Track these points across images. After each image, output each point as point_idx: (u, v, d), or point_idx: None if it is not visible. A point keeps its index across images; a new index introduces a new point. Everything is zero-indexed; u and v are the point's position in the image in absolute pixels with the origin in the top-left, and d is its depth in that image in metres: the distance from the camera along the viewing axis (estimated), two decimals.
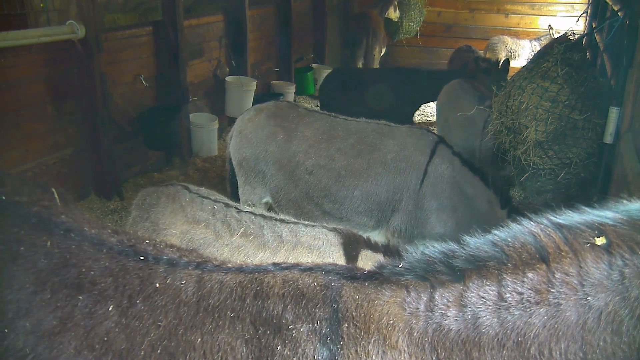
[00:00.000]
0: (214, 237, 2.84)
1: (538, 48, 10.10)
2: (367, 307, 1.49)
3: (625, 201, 1.46)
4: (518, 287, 1.38)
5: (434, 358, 1.42)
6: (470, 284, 1.43)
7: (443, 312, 1.43)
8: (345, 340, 1.46)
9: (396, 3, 11.10)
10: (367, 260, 2.69)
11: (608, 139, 3.82)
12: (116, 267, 1.69)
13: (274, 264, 1.69)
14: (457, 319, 1.42)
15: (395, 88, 7.11)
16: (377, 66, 10.81)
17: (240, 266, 1.72)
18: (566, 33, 4.31)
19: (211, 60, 8.26)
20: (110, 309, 1.61)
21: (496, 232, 1.50)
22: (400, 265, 1.55)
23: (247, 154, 4.53)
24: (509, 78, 5.44)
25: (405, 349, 1.44)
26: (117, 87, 6.45)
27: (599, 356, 1.33)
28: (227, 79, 8.35)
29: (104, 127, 5.94)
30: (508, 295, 1.39)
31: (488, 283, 1.42)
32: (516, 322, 1.38)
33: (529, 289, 1.37)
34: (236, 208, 2.99)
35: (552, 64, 4.06)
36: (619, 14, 4.24)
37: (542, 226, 1.44)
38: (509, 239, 1.45)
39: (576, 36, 4.25)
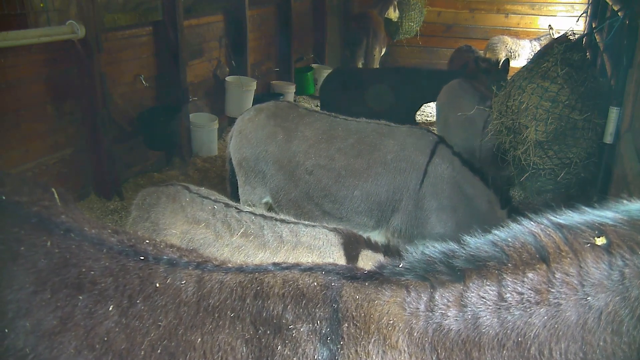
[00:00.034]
0: (214, 237, 2.84)
1: (538, 48, 10.10)
2: (367, 307, 1.49)
3: (625, 201, 1.46)
4: (518, 287, 1.38)
5: (434, 358, 1.42)
6: (471, 284, 1.44)
7: (443, 312, 1.43)
8: (346, 340, 1.46)
9: (396, 3, 11.10)
10: (368, 260, 2.69)
11: (608, 139, 3.82)
12: (116, 267, 1.69)
13: (274, 264, 1.69)
14: (457, 319, 1.42)
15: (396, 88, 7.11)
16: (377, 66, 10.81)
17: (240, 266, 1.72)
18: (566, 33, 4.31)
19: (211, 60, 8.26)
20: (110, 308, 1.61)
21: (496, 232, 1.50)
22: (400, 265, 1.55)
23: (247, 154, 4.53)
24: (509, 78, 5.44)
25: (406, 348, 1.44)
26: (117, 87, 6.45)
27: (599, 356, 1.33)
28: (227, 79, 8.35)
29: (104, 127, 5.94)
30: (508, 295, 1.39)
31: (488, 283, 1.42)
32: (516, 322, 1.38)
33: (529, 289, 1.37)
34: (236, 208, 2.99)
35: (552, 64, 4.06)
36: (619, 14, 4.24)
37: (542, 226, 1.44)
38: (509, 239, 1.45)
39: (576, 36, 4.25)
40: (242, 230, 2.82)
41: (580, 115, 3.94)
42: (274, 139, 4.43)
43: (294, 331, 1.48)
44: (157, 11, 7.68)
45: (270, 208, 4.57)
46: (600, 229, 1.37)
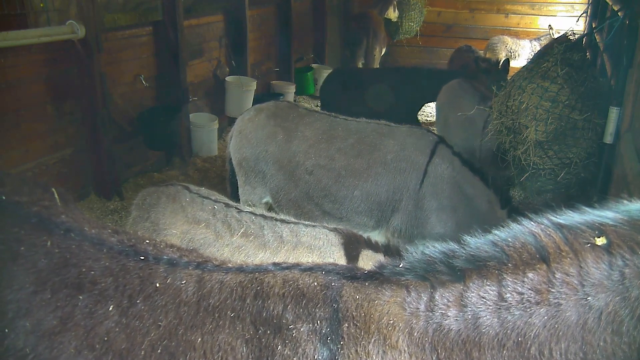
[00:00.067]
0: (214, 237, 2.84)
1: (538, 48, 10.10)
2: (367, 307, 1.49)
3: (625, 201, 1.46)
4: (518, 287, 1.38)
5: (434, 358, 1.42)
6: (471, 284, 1.44)
7: (443, 312, 1.43)
8: (346, 340, 1.46)
9: (395, 3, 11.09)
10: (368, 260, 2.69)
11: (608, 139, 3.82)
12: (116, 267, 1.69)
13: (274, 264, 1.69)
14: (458, 319, 1.42)
15: (397, 88, 7.10)
16: (378, 66, 10.81)
17: (240, 266, 1.72)
18: (566, 33, 4.31)
19: (211, 60, 8.26)
20: (110, 308, 1.61)
21: (496, 232, 1.50)
22: (400, 265, 1.55)
23: (247, 154, 4.53)
24: (509, 78, 5.44)
25: (406, 348, 1.44)
26: (117, 87, 6.45)
27: (599, 356, 1.33)
28: (227, 79, 8.35)
29: (104, 127, 5.94)
30: (508, 295, 1.39)
31: (488, 283, 1.42)
32: (516, 322, 1.38)
33: (530, 289, 1.38)
34: (236, 208, 2.99)
35: (552, 64, 4.06)
36: (619, 14, 4.24)
37: (543, 226, 1.44)
38: (510, 239, 1.45)
39: (576, 36, 4.25)
40: (242, 230, 2.82)
41: (580, 115, 3.94)
42: (274, 139, 4.43)
43: (294, 331, 1.48)
44: (157, 11, 7.68)
45: (270, 208, 4.57)
46: (600, 229, 1.37)
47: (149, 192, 3.19)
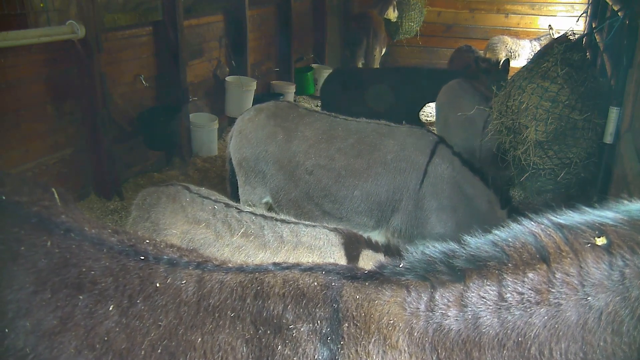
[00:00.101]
0: (214, 237, 2.84)
1: (538, 48, 10.09)
2: (367, 307, 1.49)
3: (625, 201, 1.46)
4: (518, 287, 1.38)
5: (434, 358, 1.42)
6: (471, 283, 1.44)
7: (443, 312, 1.43)
8: (346, 340, 1.46)
9: (395, 3, 11.09)
10: (368, 260, 2.69)
11: (608, 139, 3.82)
12: (116, 267, 1.69)
13: (275, 264, 1.69)
14: (458, 318, 1.42)
15: (398, 88, 7.10)
16: (378, 66, 10.81)
17: (240, 266, 1.72)
18: (566, 33, 4.31)
19: (211, 60, 8.26)
20: (110, 308, 1.61)
21: (497, 232, 1.50)
22: (400, 265, 1.55)
23: (247, 154, 4.53)
24: (509, 78, 5.43)
25: (406, 348, 1.44)
26: (117, 87, 6.45)
27: (599, 356, 1.33)
28: (227, 79, 8.35)
29: (104, 127, 5.94)
30: (508, 295, 1.39)
31: (488, 283, 1.42)
32: (516, 322, 1.38)
33: (530, 289, 1.38)
34: (237, 208, 2.99)
35: (552, 64, 4.06)
36: (619, 14, 4.24)
37: (543, 226, 1.44)
38: (510, 239, 1.45)
39: (576, 36, 4.25)
40: (242, 231, 2.82)
41: (580, 115, 3.94)
42: (274, 139, 4.43)
43: (294, 331, 1.48)
44: (157, 11, 7.68)
45: (270, 208, 4.57)
46: (600, 229, 1.37)
47: (149, 192, 3.19)
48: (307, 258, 2.70)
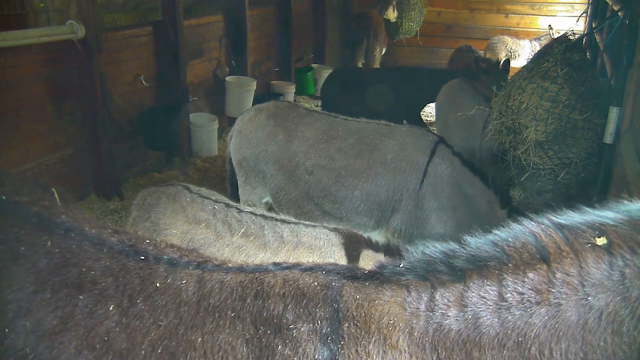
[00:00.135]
0: (214, 237, 2.84)
1: (538, 48, 10.10)
2: (367, 307, 1.49)
3: (625, 201, 1.46)
4: (519, 287, 1.38)
5: (434, 358, 1.42)
6: (471, 283, 1.44)
7: (444, 312, 1.43)
8: (346, 339, 1.46)
9: (395, 3, 11.09)
10: (369, 260, 2.69)
11: (608, 139, 3.82)
12: (117, 267, 1.69)
13: (275, 264, 1.69)
14: (458, 318, 1.42)
15: (400, 88, 7.09)
16: (378, 66, 10.81)
17: (240, 266, 1.72)
18: (566, 33, 4.31)
19: (211, 60, 8.26)
20: (110, 308, 1.61)
21: (497, 232, 1.50)
22: (401, 265, 1.55)
23: (247, 154, 4.53)
24: (509, 78, 5.43)
25: (406, 348, 1.44)
26: (117, 87, 6.45)
27: (599, 356, 1.33)
28: (227, 79, 8.35)
29: (104, 127, 5.94)
30: (509, 295, 1.39)
31: (489, 283, 1.42)
32: (517, 322, 1.38)
33: (530, 289, 1.38)
34: (237, 208, 2.99)
35: (552, 64, 4.06)
36: (619, 14, 4.24)
37: (543, 226, 1.44)
38: (510, 239, 1.45)
39: (576, 36, 4.25)
40: (242, 231, 2.82)
41: (580, 115, 3.94)
42: (274, 139, 4.43)
43: (294, 331, 1.48)
44: (157, 11, 7.68)
45: (270, 208, 4.57)
46: (600, 229, 1.37)
47: (149, 192, 3.19)
48: (308, 258, 2.70)
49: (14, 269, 1.70)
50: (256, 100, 7.89)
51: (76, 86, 5.75)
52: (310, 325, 1.48)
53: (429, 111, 10.02)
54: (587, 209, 1.47)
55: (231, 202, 3.09)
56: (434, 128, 6.93)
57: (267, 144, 4.44)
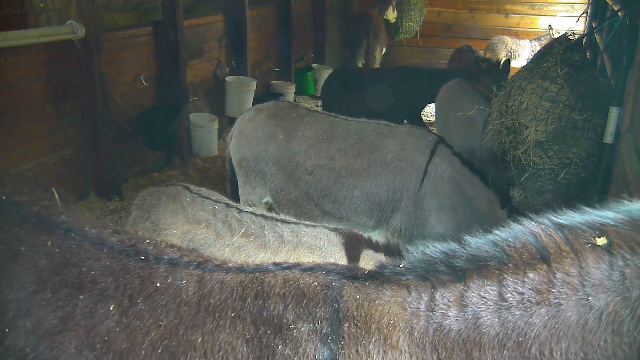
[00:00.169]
0: (214, 238, 2.84)
1: (538, 48, 10.10)
2: (368, 307, 1.49)
3: (625, 201, 1.46)
4: (519, 287, 1.38)
5: (434, 358, 1.42)
6: (471, 283, 1.44)
7: (444, 311, 1.43)
8: (346, 339, 1.46)
9: (394, 3, 11.09)
10: (369, 260, 2.69)
11: (608, 139, 3.82)
12: (117, 267, 1.69)
13: (275, 264, 1.69)
14: (458, 318, 1.42)
15: (401, 88, 7.08)
16: (378, 66, 10.81)
17: (241, 266, 1.72)
18: (566, 33, 4.31)
19: (211, 60, 8.26)
20: (111, 308, 1.61)
21: (497, 232, 1.50)
22: (401, 265, 1.55)
23: (247, 154, 4.53)
24: (509, 78, 5.43)
25: (406, 348, 1.44)
26: (117, 87, 6.45)
27: (599, 356, 1.33)
28: (227, 79, 8.35)
29: (104, 127, 5.94)
30: (509, 295, 1.39)
31: (489, 283, 1.42)
32: (517, 322, 1.38)
33: (530, 289, 1.38)
34: (237, 208, 2.99)
35: (552, 64, 4.06)
36: (619, 14, 4.24)
37: (543, 226, 1.44)
38: (510, 239, 1.45)
39: (576, 36, 4.25)
40: (242, 231, 2.82)
41: (580, 115, 3.94)
42: (274, 139, 4.43)
43: (294, 331, 1.48)
44: (157, 11, 7.68)
45: (270, 208, 4.57)
46: (601, 229, 1.37)
47: (149, 192, 3.19)
48: (308, 258, 2.70)
49: (14, 269, 1.70)
50: (256, 100, 7.89)
51: (76, 86, 5.75)
52: (311, 325, 1.48)
53: (429, 111, 10.02)
54: (587, 209, 1.47)
55: (231, 202, 3.09)
56: (434, 128, 6.93)
57: (267, 144, 4.44)
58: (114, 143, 6.26)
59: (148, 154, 7.13)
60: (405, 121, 6.79)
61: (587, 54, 4.56)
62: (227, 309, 1.56)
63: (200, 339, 1.54)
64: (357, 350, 1.44)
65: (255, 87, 8.45)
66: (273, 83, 10.02)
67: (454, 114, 5.77)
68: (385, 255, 2.73)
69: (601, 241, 1.35)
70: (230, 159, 4.74)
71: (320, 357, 1.45)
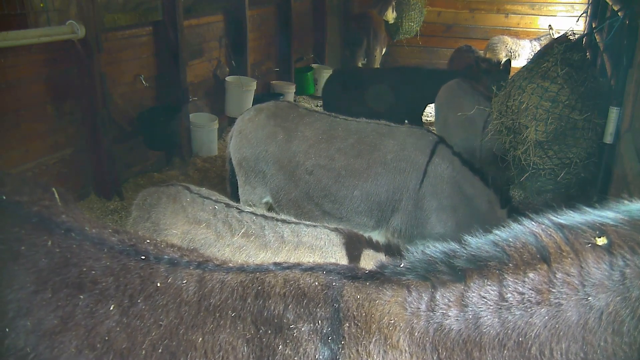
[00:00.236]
0: (215, 238, 2.84)
1: (538, 48, 10.10)
2: (368, 307, 1.49)
3: (625, 201, 1.46)
4: (519, 287, 1.39)
5: (435, 358, 1.42)
6: (472, 283, 1.44)
7: (444, 311, 1.43)
8: (347, 339, 1.46)
9: (394, 4, 11.09)
10: (370, 260, 2.69)
11: (608, 139, 3.82)
12: (117, 267, 1.69)
13: (275, 264, 1.69)
14: (459, 318, 1.42)
15: (403, 89, 7.08)
16: (378, 66, 10.81)
17: (241, 266, 1.72)
18: (566, 33, 4.31)
19: (211, 60, 8.26)
20: (111, 308, 1.61)
21: (497, 232, 1.50)
22: (401, 265, 1.55)
23: (247, 154, 4.53)
24: (509, 78, 5.43)
25: (407, 348, 1.44)
26: (117, 87, 6.45)
27: (599, 356, 1.33)
28: (227, 79, 8.35)
29: (104, 127, 5.94)
30: (509, 295, 1.39)
31: (489, 283, 1.42)
32: (517, 322, 1.38)
33: (530, 289, 1.38)
34: (237, 208, 2.99)
35: (552, 64, 4.06)
36: (619, 14, 4.24)
37: (544, 226, 1.44)
38: (510, 239, 1.45)
39: (576, 36, 4.25)
40: (243, 231, 2.82)
41: (580, 115, 3.94)
42: (274, 139, 4.43)
43: (295, 331, 1.48)
44: (157, 11, 7.68)
45: (270, 208, 4.57)
46: (601, 229, 1.37)
47: (150, 192, 3.19)
48: (308, 258, 2.70)
49: (14, 269, 1.70)
50: (256, 100, 7.88)
51: (76, 86, 5.75)
52: (311, 325, 1.48)
53: (429, 111, 10.02)
54: (587, 209, 1.47)
55: (231, 202, 3.09)
56: (434, 128, 6.92)
57: (267, 144, 4.44)
58: (114, 143, 6.26)
59: (148, 154, 7.13)
60: (406, 121, 6.78)
61: (587, 54, 4.56)
62: (228, 308, 1.56)
63: (200, 339, 1.54)
64: (357, 350, 1.44)
65: (255, 87, 8.45)
66: (273, 83, 10.02)
67: (453, 114, 5.77)
68: (385, 255, 2.73)
69: (601, 241, 1.36)
70: (230, 159, 4.74)
71: (320, 357, 1.45)
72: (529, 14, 11.83)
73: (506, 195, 3.97)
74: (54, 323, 1.61)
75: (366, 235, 3.02)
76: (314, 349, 1.46)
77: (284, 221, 2.91)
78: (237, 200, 4.56)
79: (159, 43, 7.03)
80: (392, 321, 1.46)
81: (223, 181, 5.78)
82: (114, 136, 6.26)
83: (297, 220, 2.94)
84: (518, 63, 10.08)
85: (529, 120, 4.07)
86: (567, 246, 1.38)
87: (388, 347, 1.44)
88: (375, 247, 2.79)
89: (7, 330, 1.62)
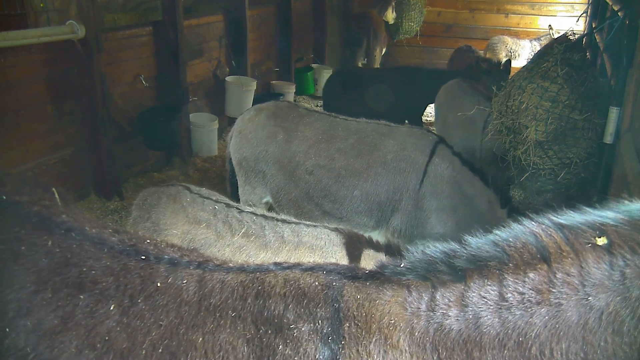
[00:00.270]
0: (215, 238, 2.84)
1: (538, 48, 10.10)
2: (368, 307, 1.49)
3: (625, 201, 1.46)
4: (519, 287, 1.39)
5: (435, 358, 1.42)
6: (472, 283, 1.44)
7: (444, 311, 1.43)
8: (347, 339, 1.46)
9: (394, 4, 11.08)
10: (370, 260, 2.69)
11: (608, 139, 3.82)
12: (117, 267, 1.69)
13: (276, 264, 1.69)
14: (459, 318, 1.42)
15: (403, 89, 7.07)
16: (378, 66, 10.81)
17: (241, 266, 1.72)
18: (566, 33, 4.31)
19: (211, 60, 8.26)
20: (111, 308, 1.61)
21: (497, 232, 1.50)
22: (401, 265, 1.55)
23: (247, 154, 4.53)
24: (509, 78, 5.43)
25: (407, 348, 1.44)
26: (117, 87, 6.45)
27: (599, 356, 1.33)
28: (227, 79, 8.35)
29: (104, 127, 5.94)
30: (509, 295, 1.39)
31: (489, 283, 1.42)
32: (517, 322, 1.38)
33: (530, 289, 1.38)
34: (237, 208, 2.99)
35: (552, 64, 4.06)
36: (619, 14, 4.24)
37: (544, 226, 1.44)
38: (511, 239, 1.45)
39: (576, 36, 4.25)
40: (243, 231, 2.82)
41: (580, 115, 3.94)
42: (274, 139, 4.43)
43: (295, 331, 1.48)
44: (157, 11, 7.69)
45: (270, 208, 4.57)
46: (601, 229, 1.37)
47: (150, 192, 3.19)
48: (309, 258, 2.70)
49: (14, 269, 1.70)
50: (256, 100, 7.88)
51: (76, 86, 5.75)
52: (311, 325, 1.48)
53: (429, 111, 10.02)
54: (587, 209, 1.47)
55: (232, 202, 3.09)
56: (434, 128, 6.92)
57: (267, 144, 4.44)
58: (114, 143, 6.26)
59: (148, 154, 7.13)
60: (406, 121, 6.78)
61: (587, 54, 4.56)
62: (228, 308, 1.57)
63: (200, 339, 1.54)
64: (357, 350, 1.44)
65: (255, 87, 8.45)
66: (273, 83, 10.02)
67: (453, 114, 5.77)
68: (385, 255, 2.73)
69: (601, 241, 1.36)
70: (230, 159, 4.74)
71: (320, 357, 1.45)
72: (529, 14, 11.83)
73: (506, 195, 3.97)
74: (54, 323, 1.61)
75: (366, 235, 3.02)
76: (314, 349, 1.46)
77: (284, 221, 2.91)
78: (237, 200, 4.56)
79: (159, 43, 7.03)
80: (393, 321, 1.46)
81: (223, 181, 5.78)
82: (114, 136, 6.26)
83: (297, 220, 2.94)
84: (518, 63, 10.08)
85: (529, 120, 4.07)
86: (567, 246, 1.38)
87: (388, 347, 1.44)
88: (376, 247, 2.79)
89: (7, 330, 1.62)
